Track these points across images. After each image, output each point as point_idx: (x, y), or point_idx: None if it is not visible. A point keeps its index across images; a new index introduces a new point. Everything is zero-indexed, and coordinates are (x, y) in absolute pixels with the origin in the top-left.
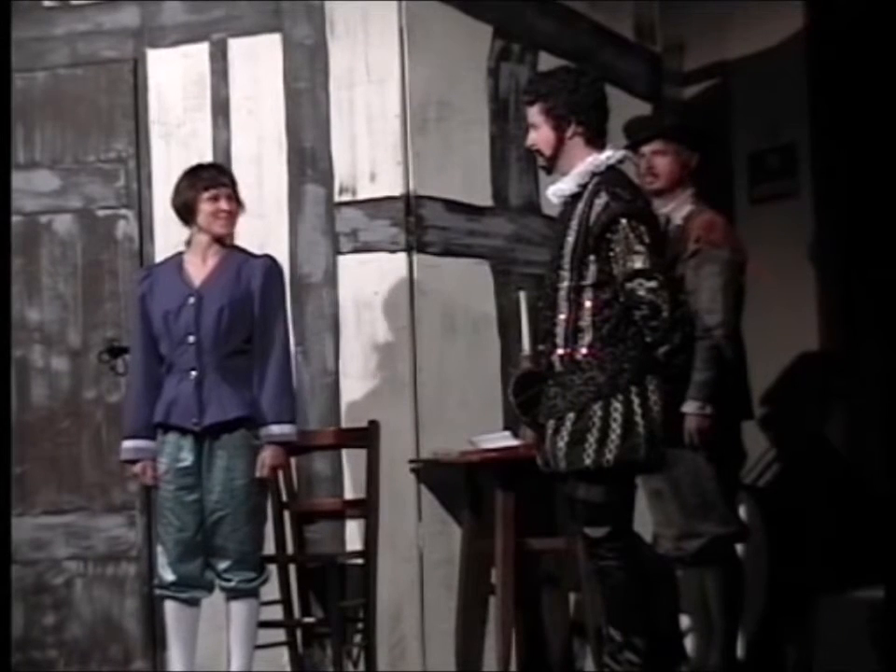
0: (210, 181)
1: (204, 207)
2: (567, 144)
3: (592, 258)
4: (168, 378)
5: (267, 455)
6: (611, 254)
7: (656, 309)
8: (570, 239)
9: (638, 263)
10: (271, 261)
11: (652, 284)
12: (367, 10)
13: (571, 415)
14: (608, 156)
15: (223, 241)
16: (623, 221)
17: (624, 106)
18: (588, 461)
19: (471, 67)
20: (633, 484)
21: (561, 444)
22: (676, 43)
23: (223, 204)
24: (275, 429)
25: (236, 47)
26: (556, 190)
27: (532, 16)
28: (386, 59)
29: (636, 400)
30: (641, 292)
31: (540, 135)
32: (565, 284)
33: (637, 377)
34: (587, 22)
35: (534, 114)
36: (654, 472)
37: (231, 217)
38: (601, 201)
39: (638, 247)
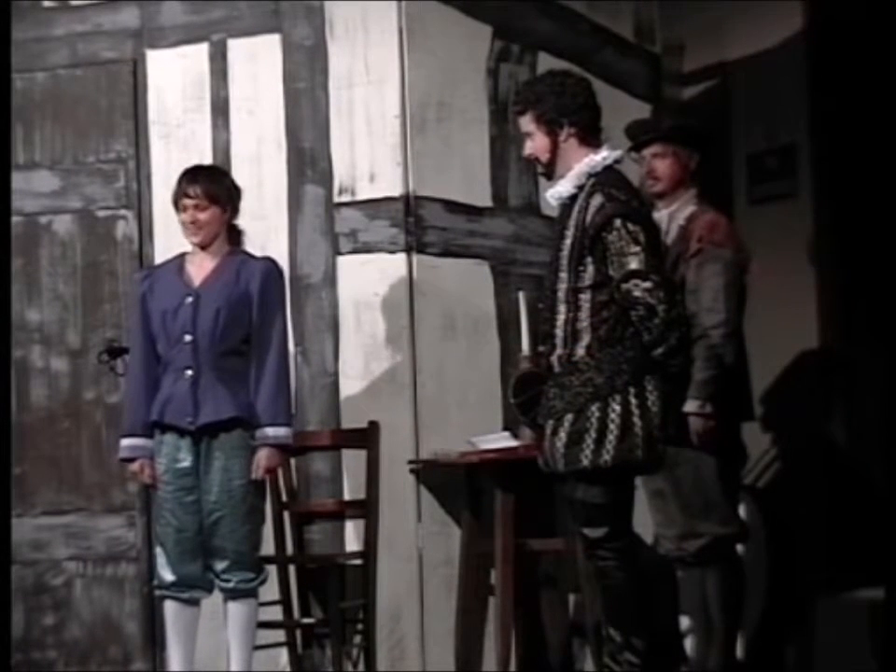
0: (178, 193)
1: (179, 216)
2: (561, 147)
3: (589, 259)
4: (164, 377)
5: (262, 457)
6: (607, 255)
7: (652, 310)
8: (568, 241)
9: (634, 264)
10: (271, 264)
11: (648, 284)
12: (366, 11)
13: (569, 416)
14: (603, 156)
15: (205, 247)
16: (618, 222)
17: (624, 107)
18: (586, 462)
19: (471, 68)
20: (631, 485)
21: (559, 445)
22: (675, 44)
23: (187, 216)
24: (270, 431)
25: (235, 47)
26: (554, 193)
27: (532, 16)
28: (386, 59)
29: (633, 401)
30: (637, 293)
31: (536, 143)
32: (563, 285)
33: (635, 378)
34: (587, 23)
35: (526, 123)
36: (652, 473)
37: (197, 226)
38: (596, 202)
39: (634, 248)
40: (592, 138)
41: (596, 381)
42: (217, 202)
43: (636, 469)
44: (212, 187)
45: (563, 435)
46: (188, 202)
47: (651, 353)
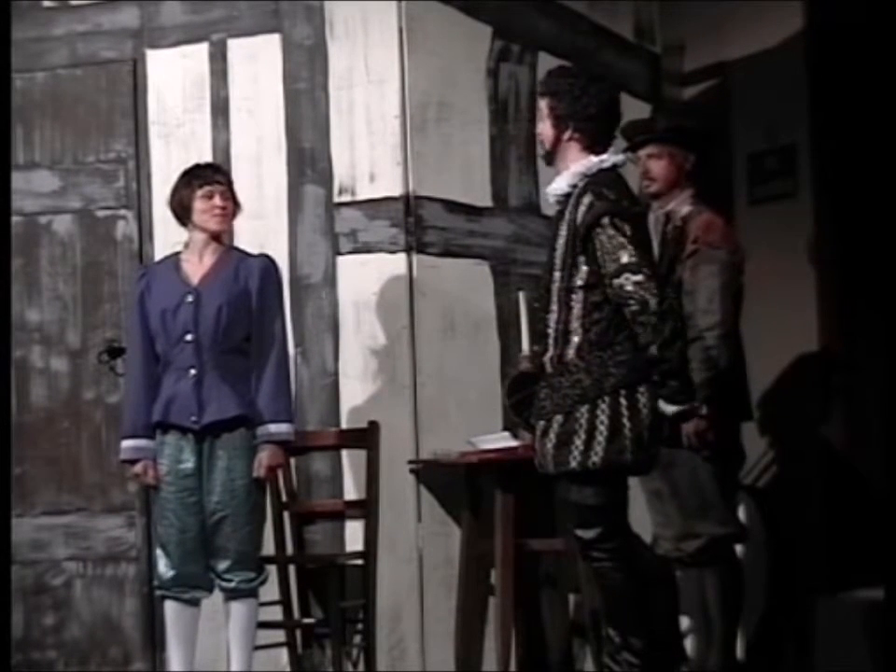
0: (205, 178)
1: (199, 204)
2: (563, 144)
3: (581, 258)
4: (165, 377)
5: (265, 455)
6: (599, 253)
7: (644, 303)
8: (561, 240)
9: (624, 258)
10: (268, 261)
11: (639, 278)
12: (366, 11)
13: (559, 417)
14: (601, 159)
15: (219, 239)
16: (606, 220)
17: (624, 107)
18: (574, 463)
19: (471, 68)
20: (624, 486)
21: (549, 446)
22: (675, 43)
23: (217, 201)
24: (272, 428)
25: (235, 47)
26: (551, 189)
27: (532, 16)
28: (386, 59)
29: (623, 403)
30: (629, 287)
31: (544, 128)
32: (556, 285)
33: (626, 381)
34: (587, 23)
35: (542, 106)
36: (643, 474)
37: (226, 213)
38: (586, 201)
39: (623, 243)
40: (597, 146)
41: (584, 383)
42: (234, 196)
43: (625, 470)
44: (230, 180)
45: (552, 436)
46: (217, 188)
47: (646, 348)
